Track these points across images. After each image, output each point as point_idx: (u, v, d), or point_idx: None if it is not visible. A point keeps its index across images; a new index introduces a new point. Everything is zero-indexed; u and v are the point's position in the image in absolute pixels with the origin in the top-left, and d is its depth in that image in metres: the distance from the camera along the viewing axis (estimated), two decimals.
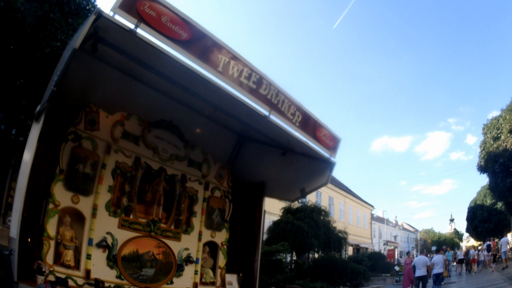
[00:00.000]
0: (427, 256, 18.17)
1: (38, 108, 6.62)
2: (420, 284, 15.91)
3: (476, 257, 28.66)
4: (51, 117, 6.24)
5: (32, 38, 9.18)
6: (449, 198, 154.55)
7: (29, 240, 6.03)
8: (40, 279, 5.92)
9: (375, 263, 29.67)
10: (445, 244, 39.02)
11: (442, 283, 17.76)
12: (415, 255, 27.23)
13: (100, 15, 4.89)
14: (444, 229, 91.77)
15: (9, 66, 9.80)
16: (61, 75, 5.29)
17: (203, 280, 8.91)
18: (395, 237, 66.92)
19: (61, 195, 6.79)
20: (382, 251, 45.71)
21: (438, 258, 16.78)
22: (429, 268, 16.04)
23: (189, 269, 8.54)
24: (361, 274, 22.01)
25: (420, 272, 15.80)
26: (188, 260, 8.52)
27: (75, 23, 9.60)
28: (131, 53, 6.08)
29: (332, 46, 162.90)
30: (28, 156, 6.20)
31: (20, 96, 10.35)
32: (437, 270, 16.36)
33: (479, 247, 33.54)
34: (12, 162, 12.80)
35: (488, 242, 30.01)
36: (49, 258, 6.49)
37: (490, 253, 28.47)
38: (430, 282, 16.73)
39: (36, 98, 9.58)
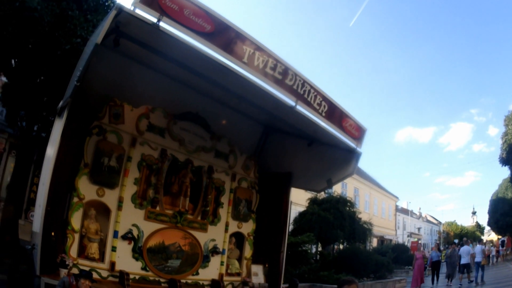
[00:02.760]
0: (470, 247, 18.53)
1: (60, 103, 6.67)
2: (465, 270, 17.18)
3: (486, 252, 28.99)
4: (74, 112, 6.26)
5: (51, 36, 9.24)
6: (472, 190, 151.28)
7: (52, 234, 6.10)
8: (63, 272, 5.98)
9: (398, 255, 29.28)
10: (467, 237, 38.32)
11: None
12: (440, 248, 27.05)
13: (121, 10, 4.88)
14: (466, 221, 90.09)
15: (28, 64, 9.92)
16: (83, 71, 5.30)
17: (229, 271, 8.94)
18: (418, 229, 66.12)
19: (86, 189, 6.85)
20: (406, 243, 45.23)
21: (477, 248, 18.15)
22: (472, 257, 17.22)
23: (215, 260, 8.58)
24: (385, 266, 21.81)
25: (464, 260, 17.11)
26: (215, 251, 8.55)
27: (94, 20, 9.64)
28: (154, 47, 6.07)
29: (353, 37, 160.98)
30: (51, 151, 6.25)
31: (41, 93, 10.47)
32: (477, 259, 17.47)
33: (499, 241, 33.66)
34: (34, 158, 13.01)
35: (502, 238, 31.17)
36: (73, 251, 6.58)
37: (504, 248, 28.71)
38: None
39: (57, 95, 9.59)
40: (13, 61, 10.43)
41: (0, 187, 15.52)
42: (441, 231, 77.12)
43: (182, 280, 7.67)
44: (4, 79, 11.46)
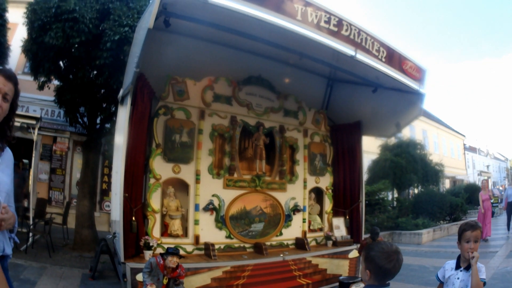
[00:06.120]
0: None
1: (121, 92, 6.85)
2: None
3: None
4: (137, 97, 6.43)
5: (97, 31, 9.50)
6: None
7: (133, 218, 6.33)
8: (148, 254, 6.20)
9: (471, 195, 28.96)
10: None
11: None
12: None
13: None
14: None
15: (78, 63, 10.24)
16: (140, 56, 5.40)
17: (311, 227, 9.10)
18: (487, 166, 64.43)
19: (161, 168, 7.07)
20: (477, 182, 44.20)
21: None
22: None
23: (297, 218, 8.74)
24: (459, 207, 21.73)
25: None
26: (296, 209, 8.70)
27: (137, 6, 9.77)
28: (205, 20, 6.08)
29: None
30: (120, 139, 6.48)
31: (97, 87, 10.77)
32: None
33: None
34: (101, 150, 13.50)
35: None
36: (156, 231, 6.83)
37: None
38: None
39: (113, 84, 9.96)
40: (61, 62, 10.72)
41: (70, 185, 16.28)
42: (509, 167, 75.00)
43: (266, 243, 7.93)
44: (56, 82, 11.74)
